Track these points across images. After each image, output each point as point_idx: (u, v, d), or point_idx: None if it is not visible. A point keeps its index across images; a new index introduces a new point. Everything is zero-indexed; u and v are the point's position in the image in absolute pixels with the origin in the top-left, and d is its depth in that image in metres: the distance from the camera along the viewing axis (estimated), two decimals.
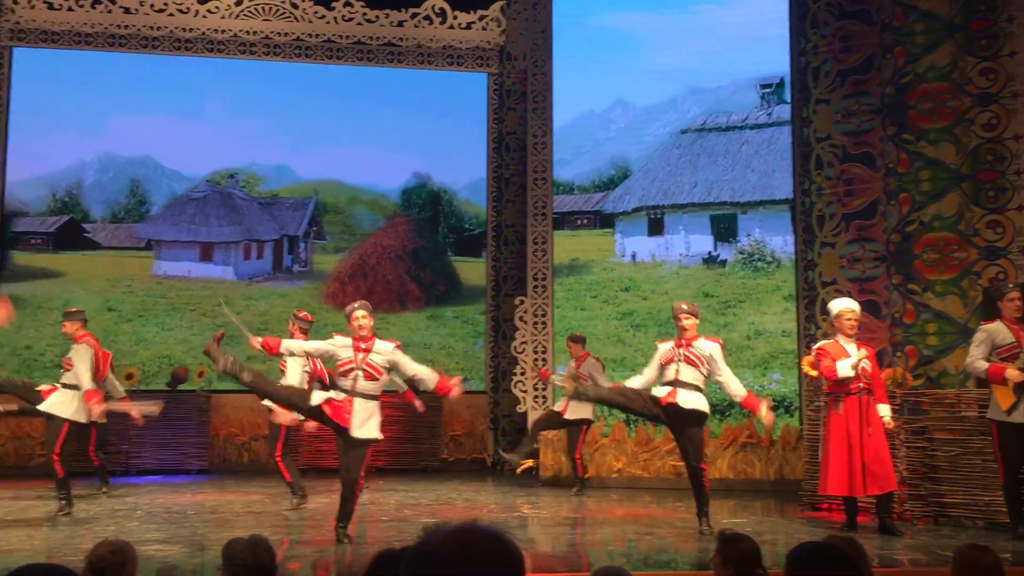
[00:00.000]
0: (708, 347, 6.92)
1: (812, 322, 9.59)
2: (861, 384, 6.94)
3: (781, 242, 10.39)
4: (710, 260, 10.71)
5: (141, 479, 10.28)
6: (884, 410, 7.00)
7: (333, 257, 12.41)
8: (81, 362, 7.72)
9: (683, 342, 6.93)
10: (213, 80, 12.24)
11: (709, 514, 6.85)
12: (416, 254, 12.49)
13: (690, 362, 6.85)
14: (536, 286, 10.93)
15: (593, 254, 11.03)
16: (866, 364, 6.96)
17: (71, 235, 11.86)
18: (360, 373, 6.36)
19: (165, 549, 6.19)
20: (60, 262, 11.75)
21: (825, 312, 9.15)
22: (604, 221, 11.12)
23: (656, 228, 10.92)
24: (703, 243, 10.76)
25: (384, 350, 6.47)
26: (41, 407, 7.79)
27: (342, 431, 6.31)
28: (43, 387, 8.07)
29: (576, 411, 9.23)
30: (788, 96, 10.42)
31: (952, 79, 8.87)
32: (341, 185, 12.52)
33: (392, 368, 6.57)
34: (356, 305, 6.53)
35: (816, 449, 7.97)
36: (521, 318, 10.92)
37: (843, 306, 7.20)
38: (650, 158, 11.08)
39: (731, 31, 10.68)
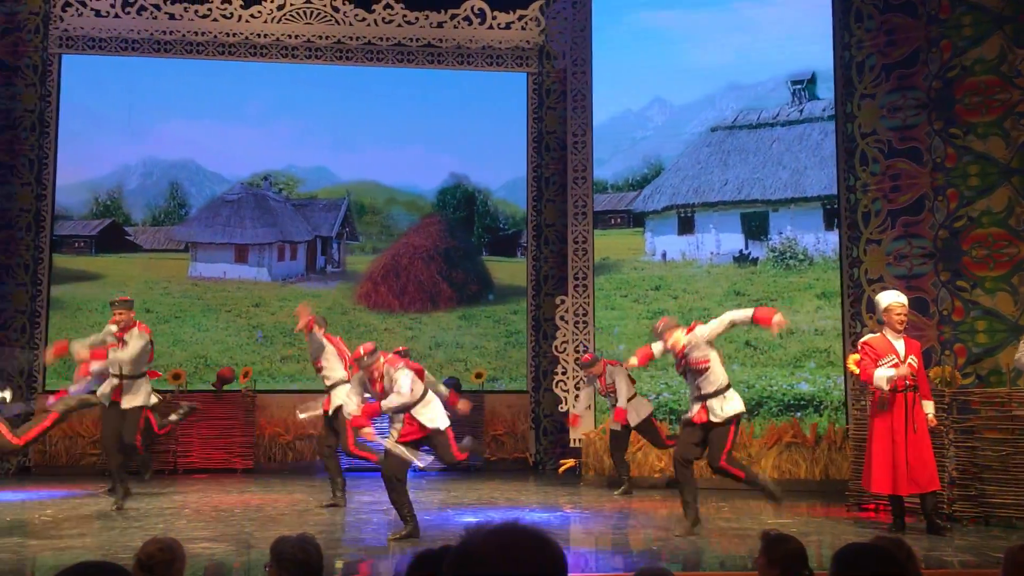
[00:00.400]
0: (694, 338, 6.79)
1: (858, 320, 9.46)
2: (908, 381, 6.83)
3: (813, 239, 10.28)
4: (741, 258, 10.62)
5: (188, 477, 10.44)
6: (928, 407, 6.89)
7: (366, 257, 12.51)
8: (140, 344, 7.87)
9: (682, 358, 6.85)
10: (253, 84, 12.38)
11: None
12: (448, 254, 12.53)
13: (699, 368, 6.78)
14: (577, 285, 10.91)
15: (623, 253, 11.00)
16: (912, 360, 6.86)
17: (112, 238, 12.08)
18: None
19: (212, 547, 6.28)
20: (99, 264, 11.97)
21: (871, 310, 9.04)
22: (635, 220, 11.08)
23: (686, 227, 10.86)
24: (734, 241, 10.68)
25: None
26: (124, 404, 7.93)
27: None
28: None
29: (637, 413, 9.24)
30: (820, 92, 10.32)
31: (1001, 72, 8.70)
32: (378, 186, 12.61)
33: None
34: (367, 352, 6.67)
35: (862, 449, 7.88)
36: (562, 317, 10.91)
37: (892, 299, 7.07)
38: (680, 156, 11.03)
39: (770, 27, 10.57)
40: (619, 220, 11.10)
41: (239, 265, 12.24)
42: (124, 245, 12.08)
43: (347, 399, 7.07)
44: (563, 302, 10.95)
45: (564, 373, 10.80)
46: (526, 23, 12.46)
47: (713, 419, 6.73)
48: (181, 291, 11.98)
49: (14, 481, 10.29)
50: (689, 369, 6.82)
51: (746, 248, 10.62)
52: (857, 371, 7.49)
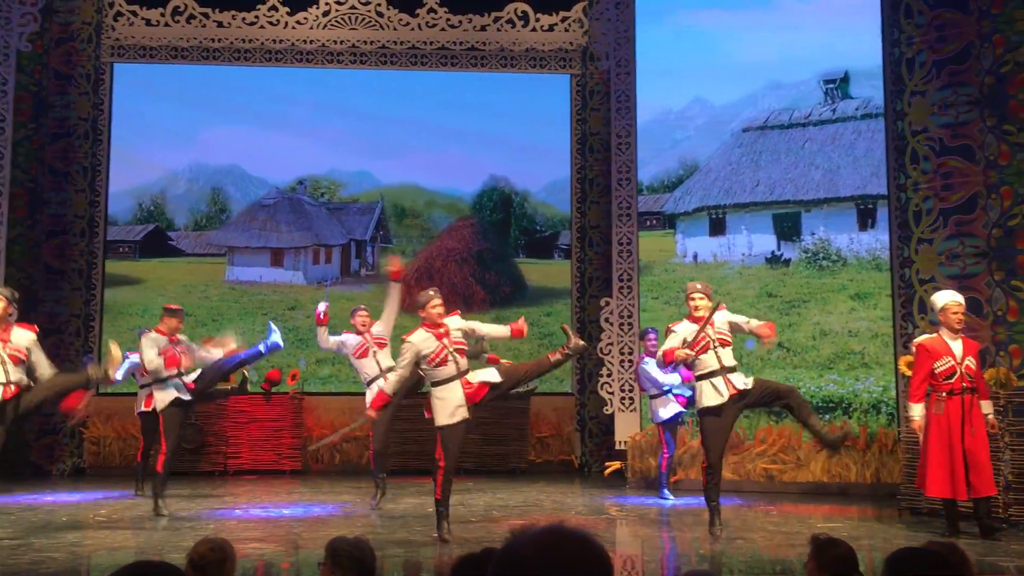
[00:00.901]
0: (724, 317, 6.87)
1: (909, 321, 9.28)
2: (965, 383, 6.69)
3: (847, 240, 10.14)
4: (773, 259, 10.51)
5: (238, 478, 10.59)
6: (987, 407, 6.75)
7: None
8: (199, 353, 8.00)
9: (710, 323, 6.81)
10: (297, 90, 12.53)
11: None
12: (480, 256, 12.55)
13: (724, 343, 6.79)
14: (622, 287, 10.87)
15: (654, 255, 10.93)
16: (970, 362, 6.73)
17: (156, 243, 12.30)
18: (455, 354, 6.56)
19: (262, 547, 6.36)
20: (140, 269, 12.18)
21: (923, 311, 8.88)
22: (666, 222, 11.02)
23: (717, 228, 10.77)
24: (766, 242, 10.58)
25: (456, 323, 6.70)
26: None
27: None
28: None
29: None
30: (853, 91, 10.19)
31: None
32: (419, 189, 12.69)
33: (469, 335, 6.79)
34: (431, 293, 6.67)
35: (914, 452, 7.75)
36: (607, 319, 10.88)
37: (948, 299, 6.93)
38: (711, 157, 10.95)
39: (813, 24, 10.42)
40: (654, 222, 11.04)
41: (275, 269, 12.41)
42: (167, 250, 12.29)
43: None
44: (607, 304, 10.92)
45: (609, 375, 10.76)
46: (569, 25, 12.45)
47: (744, 386, 6.73)
48: (219, 295, 12.15)
49: (69, 481, 10.53)
50: (717, 342, 6.77)
51: (778, 249, 10.52)
52: (910, 374, 7.37)
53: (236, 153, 12.50)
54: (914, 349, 7.13)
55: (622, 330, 10.72)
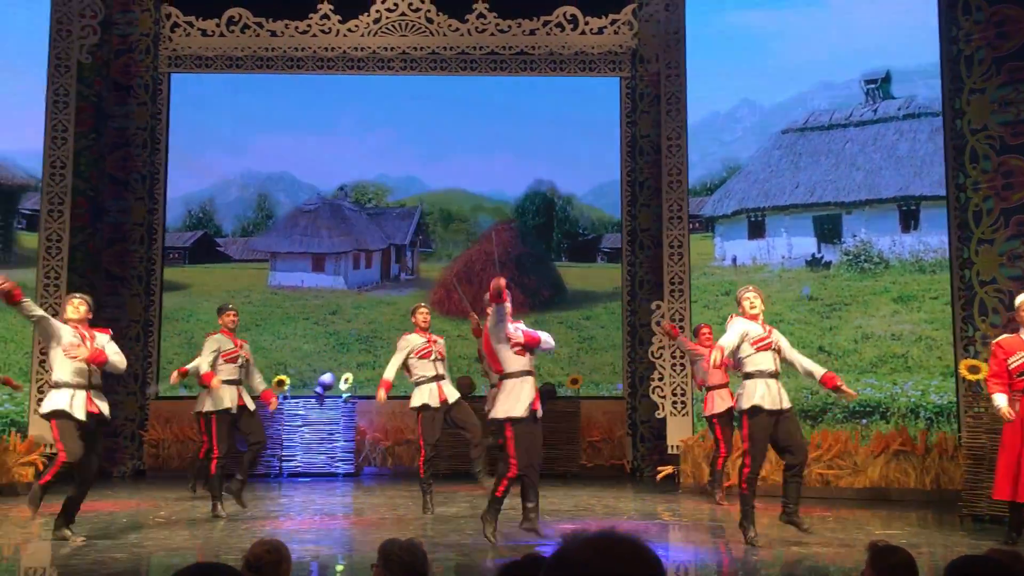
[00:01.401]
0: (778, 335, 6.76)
1: (970, 323, 9.07)
2: None
3: (889, 242, 9.98)
4: (814, 262, 10.39)
5: (292, 481, 10.72)
6: None
7: (439, 264, 12.67)
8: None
9: (766, 326, 6.71)
10: (347, 97, 12.68)
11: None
12: (519, 260, 12.56)
13: (775, 348, 6.66)
14: (673, 290, 10.79)
15: (693, 259, 10.85)
16: None
17: (204, 249, 12.53)
18: None
19: (316, 549, 6.44)
20: (186, 275, 12.42)
21: (984, 312, 8.70)
22: (704, 225, 10.92)
23: (757, 231, 10.68)
24: (806, 245, 10.47)
25: None
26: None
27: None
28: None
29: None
30: (894, 91, 10.04)
31: None
32: (465, 193, 12.76)
33: None
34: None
35: (976, 458, 7.58)
36: (658, 323, 10.81)
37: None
38: (750, 159, 10.83)
39: (865, 23, 10.25)
40: (695, 225, 10.96)
41: (316, 274, 12.57)
42: (215, 256, 12.50)
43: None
44: (658, 307, 10.85)
45: (661, 379, 10.69)
46: (619, 27, 12.41)
47: (786, 405, 6.57)
48: (261, 300, 12.32)
49: (129, 483, 10.75)
50: (777, 344, 6.65)
51: (819, 251, 10.39)
52: (973, 377, 7.21)
53: (286, 160, 12.70)
54: (991, 346, 7.00)
55: (675, 341, 10.62)
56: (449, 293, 12.37)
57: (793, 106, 10.67)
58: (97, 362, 6.54)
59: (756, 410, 6.50)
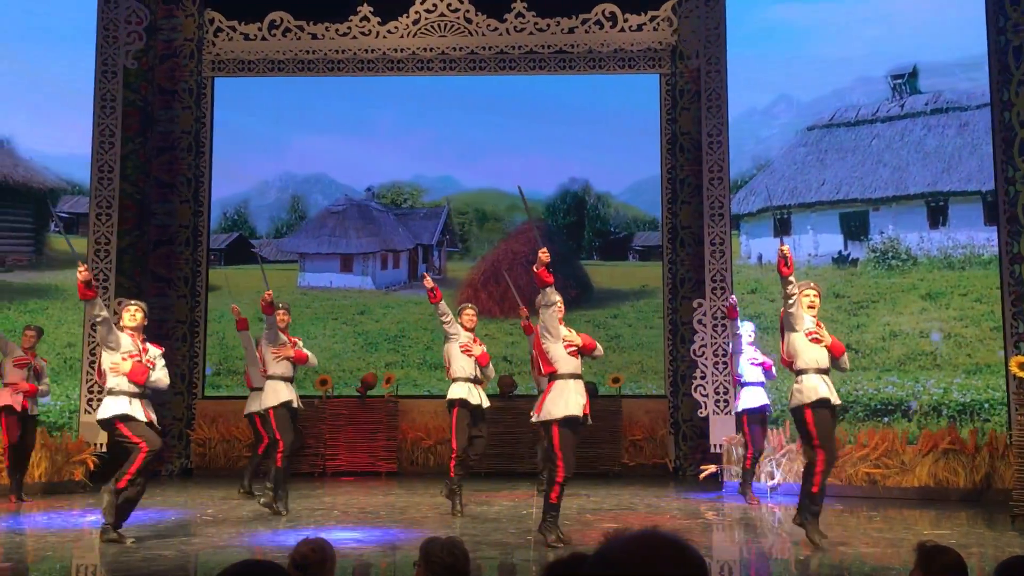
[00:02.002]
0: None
1: (1021, 319, 8.89)
2: None
3: (917, 239, 9.84)
4: (840, 259, 10.28)
5: (336, 480, 10.81)
6: None
7: (467, 264, 12.69)
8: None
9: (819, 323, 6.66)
10: (383, 98, 12.76)
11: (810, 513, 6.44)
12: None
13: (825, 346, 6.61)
14: (715, 287, 10.71)
15: None
16: None
17: (238, 251, 12.68)
18: None
19: (360, 548, 6.49)
20: (218, 276, 12.55)
21: None
22: (730, 223, 10.86)
23: (783, 228, 10.58)
24: (833, 242, 10.37)
25: None
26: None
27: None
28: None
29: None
30: (921, 86, 9.91)
31: None
32: (499, 193, 12.77)
33: None
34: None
35: None
36: (700, 321, 10.74)
37: None
38: (775, 157, 10.72)
39: (906, 16, 10.08)
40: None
41: (344, 274, 12.67)
42: (249, 257, 12.63)
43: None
44: (700, 305, 10.77)
45: (703, 377, 10.62)
46: (658, 24, 12.34)
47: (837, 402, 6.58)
48: (291, 300, 12.29)
49: (177, 482, 10.92)
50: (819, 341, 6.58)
51: (845, 249, 10.27)
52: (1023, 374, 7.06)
53: (323, 162, 12.84)
54: None
55: (716, 332, 10.55)
56: (477, 292, 12.39)
57: (831, 101, 10.53)
58: (136, 380, 6.57)
59: (821, 403, 6.39)
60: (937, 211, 9.74)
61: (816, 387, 6.41)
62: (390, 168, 12.80)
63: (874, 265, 10.02)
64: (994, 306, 9.32)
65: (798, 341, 6.55)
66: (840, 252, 10.30)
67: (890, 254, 10.03)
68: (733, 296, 9.66)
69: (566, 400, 6.39)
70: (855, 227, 10.26)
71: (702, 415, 10.65)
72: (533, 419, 6.68)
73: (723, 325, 10.50)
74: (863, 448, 9.37)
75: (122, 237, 10.97)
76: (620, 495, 9.47)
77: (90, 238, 10.60)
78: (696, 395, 10.69)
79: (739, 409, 9.05)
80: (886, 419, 9.53)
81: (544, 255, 6.30)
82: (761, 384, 9.02)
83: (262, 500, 7.95)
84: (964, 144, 9.68)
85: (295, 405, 8.13)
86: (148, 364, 6.65)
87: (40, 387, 9.18)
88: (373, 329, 12.37)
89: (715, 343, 10.51)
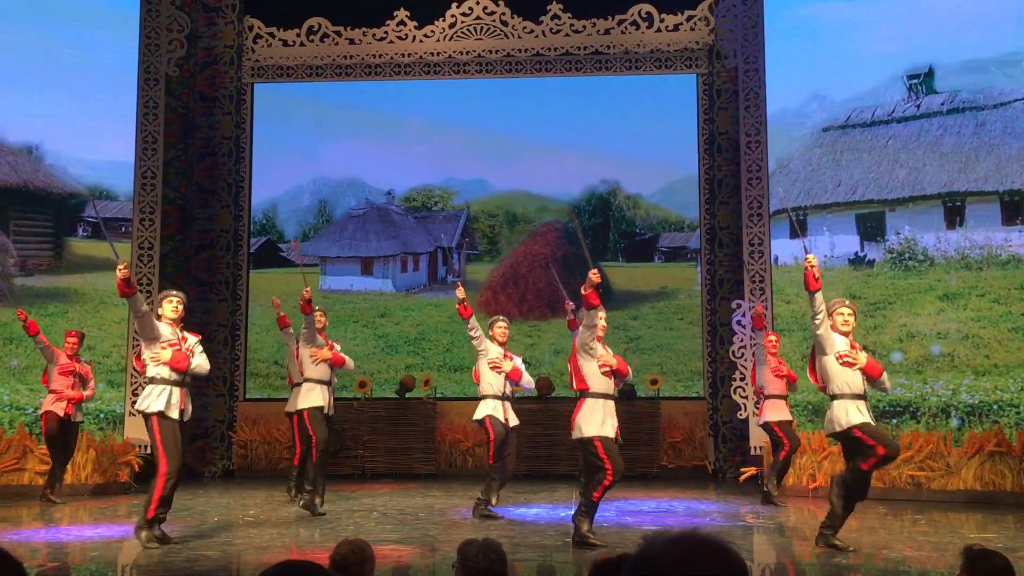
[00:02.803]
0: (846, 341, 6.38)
1: None
2: None
3: (934, 239, 9.75)
4: (856, 260, 10.22)
5: (375, 482, 10.87)
6: None
7: (486, 266, 12.69)
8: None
9: (854, 345, 6.37)
10: (416, 102, 12.82)
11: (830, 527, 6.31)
12: (566, 261, 12.48)
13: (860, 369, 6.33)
14: (754, 288, 10.62)
15: None
16: None
17: (266, 255, 12.81)
18: None
19: (400, 549, 6.52)
20: (255, 280, 12.64)
21: None
22: None
23: (799, 229, 10.45)
24: (849, 243, 10.31)
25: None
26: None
27: None
28: None
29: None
30: (938, 86, 9.84)
31: None
32: (530, 195, 12.79)
33: None
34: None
35: None
36: (739, 322, 10.65)
37: None
38: (791, 158, 10.63)
39: (945, 11, 9.92)
40: None
41: (365, 277, 12.74)
42: (276, 261, 12.73)
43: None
44: (739, 306, 10.69)
45: (743, 379, 10.53)
46: (695, 23, 12.27)
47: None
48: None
49: (219, 483, 11.05)
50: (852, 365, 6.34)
51: (861, 250, 10.17)
52: None
53: (356, 166, 12.93)
54: None
55: (755, 333, 10.44)
56: (496, 295, 12.40)
57: (865, 101, 10.43)
58: (178, 367, 6.66)
59: (865, 425, 6.22)
60: (954, 211, 9.70)
61: (843, 416, 6.18)
62: (422, 171, 12.87)
63: (891, 266, 9.95)
64: (1012, 306, 9.25)
65: (829, 365, 6.27)
66: (856, 253, 10.26)
67: (907, 255, 9.98)
68: (759, 303, 9.60)
69: (600, 421, 6.37)
70: (871, 228, 10.23)
71: (742, 417, 10.57)
72: (573, 436, 6.65)
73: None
74: (907, 450, 9.23)
75: (165, 242, 11.14)
76: (659, 497, 9.43)
77: (133, 243, 10.78)
78: (736, 397, 10.61)
79: (763, 421, 9.00)
80: (894, 421, 9.44)
81: (594, 276, 6.26)
82: (784, 397, 8.93)
83: (301, 502, 8.03)
84: (981, 144, 9.61)
85: (327, 412, 8.19)
86: (188, 352, 6.74)
87: (86, 393, 9.34)
88: (393, 332, 12.42)
89: (755, 344, 10.42)
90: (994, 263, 9.48)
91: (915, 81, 10.01)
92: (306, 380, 8.22)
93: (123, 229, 11.18)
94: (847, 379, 6.25)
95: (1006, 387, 9.17)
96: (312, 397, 8.15)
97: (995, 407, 9.23)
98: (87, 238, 11.03)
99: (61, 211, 10.93)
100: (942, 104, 9.89)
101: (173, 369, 6.61)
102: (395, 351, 12.45)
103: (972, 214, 9.62)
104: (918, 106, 10.01)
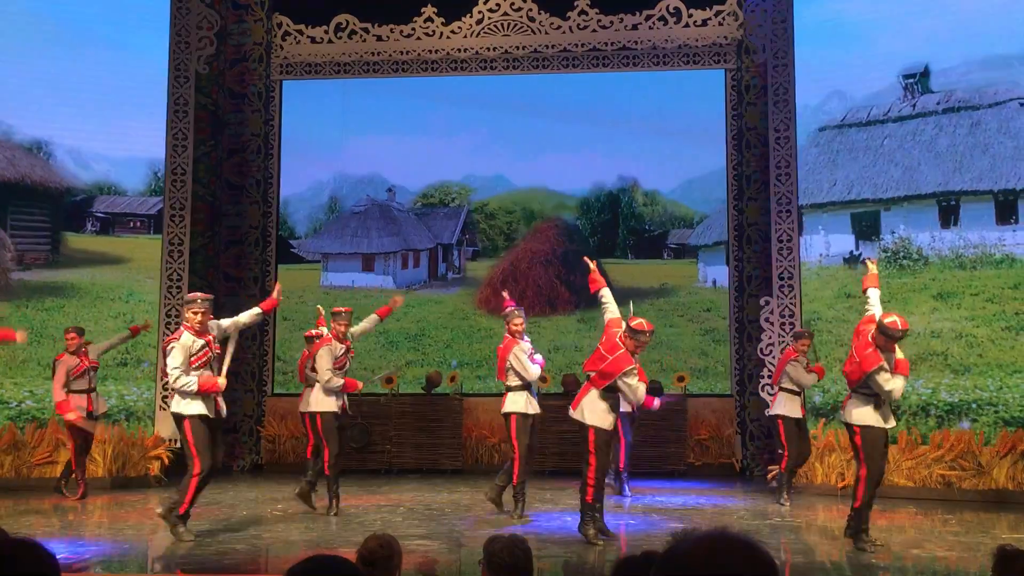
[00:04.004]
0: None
1: None
2: None
3: (928, 238, 9.76)
4: (852, 259, 10.20)
5: (401, 477, 10.92)
6: None
7: (486, 263, 12.65)
8: None
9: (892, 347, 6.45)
10: (438, 98, 12.80)
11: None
12: (565, 258, 12.43)
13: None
14: (782, 285, 10.55)
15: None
16: None
17: (279, 251, 12.79)
18: None
19: (426, 544, 6.55)
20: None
21: None
22: None
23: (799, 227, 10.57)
24: (844, 242, 10.32)
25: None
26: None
27: None
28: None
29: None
30: (933, 85, 9.84)
31: None
32: (549, 192, 12.76)
33: None
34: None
35: None
36: (767, 319, 10.58)
37: None
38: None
39: (969, 7, 9.78)
40: None
41: (366, 274, 12.78)
42: (286, 257, 12.76)
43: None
44: (768, 303, 10.62)
45: (770, 376, 10.45)
46: (723, 18, 12.19)
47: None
48: (314, 299, 12.40)
49: (248, 478, 11.15)
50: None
51: (856, 249, 10.14)
52: None
53: (377, 162, 12.95)
54: None
55: (783, 331, 10.39)
56: (496, 291, 12.36)
57: (884, 97, 10.34)
58: (210, 390, 6.75)
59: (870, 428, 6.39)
60: (948, 211, 9.69)
61: (864, 413, 6.42)
62: (443, 168, 12.86)
63: (885, 265, 9.89)
64: (1006, 306, 9.27)
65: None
66: (851, 252, 10.24)
67: (901, 254, 10.00)
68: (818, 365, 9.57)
69: (604, 411, 6.60)
70: (866, 227, 10.26)
71: (769, 414, 10.49)
72: (571, 413, 6.70)
73: (791, 323, 10.34)
74: (937, 449, 9.14)
75: (195, 238, 11.24)
76: (686, 494, 9.39)
77: (164, 239, 10.89)
78: (763, 394, 10.54)
79: (772, 413, 8.97)
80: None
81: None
82: (799, 393, 8.85)
83: (297, 490, 8.11)
84: (976, 144, 9.61)
85: (337, 411, 8.16)
86: (216, 350, 6.83)
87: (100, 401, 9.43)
88: (394, 328, 12.41)
89: (783, 341, 10.35)
90: (988, 262, 9.51)
91: (911, 81, 10.03)
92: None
93: (131, 224, 11.29)
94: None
95: (985, 386, 9.16)
96: (328, 401, 8.12)
97: (974, 405, 9.26)
98: (96, 234, 11.12)
99: (59, 206, 10.97)
100: (938, 103, 9.89)
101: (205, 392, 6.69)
102: (396, 347, 12.49)
103: (966, 213, 9.64)
104: (914, 105, 10.02)
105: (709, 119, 12.24)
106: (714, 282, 12.26)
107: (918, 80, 9.99)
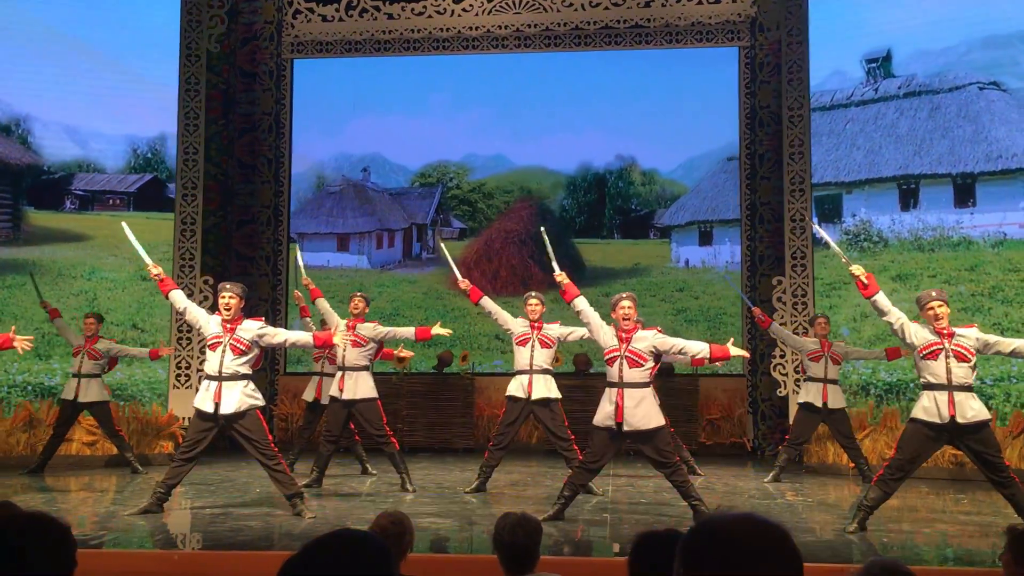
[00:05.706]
0: (974, 332, 6.25)
1: None
2: None
3: (888, 221, 9.95)
4: (814, 242, 10.33)
5: (413, 456, 10.96)
6: None
7: (460, 243, 12.61)
8: None
9: (947, 331, 6.22)
10: (441, 78, 12.78)
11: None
12: (539, 238, 12.37)
13: (962, 357, 6.17)
14: (795, 265, 10.51)
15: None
16: None
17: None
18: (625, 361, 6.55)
19: (438, 522, 6.59)
20: None
21: None
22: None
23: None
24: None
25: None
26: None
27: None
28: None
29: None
30: (896, 70, 9.99)
31: None
32: (546, 171, 12.73)
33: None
34: (624, 295, 6.90)
35: None
36: (779, 299, 10.55)
37: None
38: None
39: None
40: None
41: (341, 253, 12.81)
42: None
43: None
44: (780, 283, 10.58)
45: (783, 356, 10.44)
46: None
47: (961, 420, 6.09)
48: (291, 279, 12.49)
49: None
50: (952, 352, 6.17)
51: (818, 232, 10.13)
52: None
53: (379, 142, 12.93)
54: None
55: (795, 310, 10.37)
56: (469, 271, 12.21)
57: (846, 80, 10.42)
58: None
59: (913, 420, 6.27)
60: (908, 194, 9.83)
61: (918, 405, 6.32)
62: (444, 147, 12.83)
63: (847, 247, 10.02)
64: (962, 287, 9.44)
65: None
66: (814, 235, 10.26)
67: (862, 236, 10.19)
68: (756, 308, 9.51)
69: (599, 407, 6.68)
70: (828, 210, 10.46)
71: (781, 394, 10.49)
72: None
73: (803, 303, 10.32)
74: None
75: (207, 217, 11.26)
76: (697, 475, 9.39)
77: (176, 218, 10.91)
78: (775, 374, 10.53)
79: (800, 401, 9.06)
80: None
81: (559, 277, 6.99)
82: (819, 380, 8.83)
83: (303, 483, 8.21)
84: (935, 127, 9.74)
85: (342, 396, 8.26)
86: (237, 343, 6.84)
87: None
88: (369, 308, 12.43)
89: (795, 321, 10.33)
90: (946, 244, 9.71)
91: (873, 65, 10.17)
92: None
93: (110, 201, 11.24)
94: (927, 367, 6.26)
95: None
96: (366, 387, 8.30)
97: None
98: (75, 211, 11.08)
99: (20, 183, 10.83)
100: (899, 88, 10.03)
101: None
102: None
103: (925, 196, 9.79)
104: (876, 89, 10.16)
105: (713, 97, 12.16)
106: (687, 262, 12.23)
107: (880, 64, 10.11)
